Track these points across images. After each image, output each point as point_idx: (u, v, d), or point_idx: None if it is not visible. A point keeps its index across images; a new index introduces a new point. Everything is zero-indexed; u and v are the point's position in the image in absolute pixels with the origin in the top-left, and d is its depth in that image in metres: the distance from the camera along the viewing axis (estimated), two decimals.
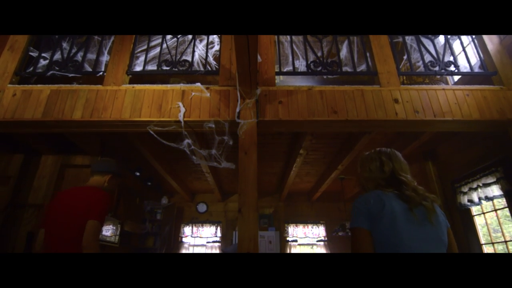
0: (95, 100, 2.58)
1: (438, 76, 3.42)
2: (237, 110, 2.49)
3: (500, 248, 3.28)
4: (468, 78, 3.21)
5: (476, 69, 2.90)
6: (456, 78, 3.67)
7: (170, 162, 4.87)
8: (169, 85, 2.65)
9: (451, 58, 2.85)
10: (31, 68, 2.83)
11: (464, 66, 2.89)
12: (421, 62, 2.83)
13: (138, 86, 2.65)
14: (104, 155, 4.06)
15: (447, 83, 3.77)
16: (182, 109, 2.51)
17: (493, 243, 3.32)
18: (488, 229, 3.40)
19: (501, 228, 3.24)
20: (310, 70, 2.79)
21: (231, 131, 2.54)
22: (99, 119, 2.52)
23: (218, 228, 6.61)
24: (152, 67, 2.87)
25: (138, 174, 4.96)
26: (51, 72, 2.76)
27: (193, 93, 2.60)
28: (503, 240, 3.21)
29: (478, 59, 2.92)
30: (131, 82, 2.77)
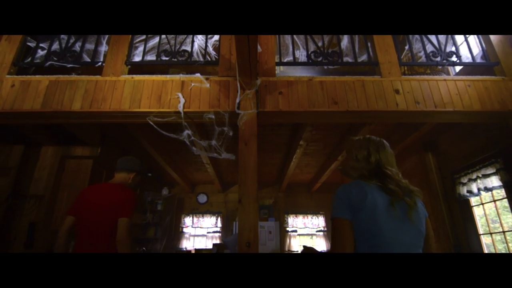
0: (94, 90, 2.57)
1: (440, 67, 3.39)
2: (237, 100, 2.48)
3: (498, 239, 3.31)
4: (470, 68, 3.19)
5: (478, 60, 2.88)
6: (458, 68, 3.64)
7: (170, 153, 4.88)
8: (168, 76, 2.63)
9: (453, 49, 2.82)
10: (29, 59, 2.80)
11: (466, 56, 2.86)
12: (422, 52, 2.80)
13: (137, 77, 2.63)
14: (104, 146, 4.06)
15: (448, 73, 3.74)
16: (182, 100, 2.50)
17: (491, 233, 3.35)
18: (486, 219, 3.43)
19: (499, 218, 3.26)
20: (310, 61, 2.76)
21: (231, 122, 2.53)
22: (98, 110, 2.51)
23: (219, 218, 6.66)
24: (151, 57, 2.85)
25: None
26: (49, 62, 2.73)
27: (192, 84, 2.58)
28: (501, 230, 3.24)
29: (480, 49, 2.89)
30: (130, 72, 2.75)
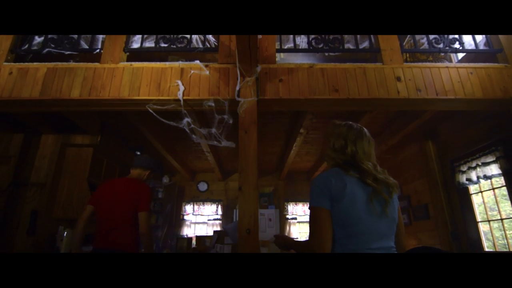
0: (92, 78, 2.54)
1: (442, 54, 3.35)
2: (237, 88, 2.46)
3: (495, 226, 3.34)
4: (473, 55, 3.15)
5: (481, 47, 2.84)
6: (461, 55, 3.60)
7: (171, 142, 4.88)
8: (167, 63, 2.61)
9: (456, 35, 2.78)
10: (26, 46, 2.77)
11: (469, 43, 2.82)
12: (425, 38, 2.76)
13: (136, 64, 2.60)
14: (104, 134, 4.06)
15: (451, 61, 3.70)
16: (181, 88, 2.48)
17: (489, 221, 3.38)
18: (485, 207, 3.45)
19: (497, 206, 3.28)
20: (311, 47, 2.73)
21: (231, 110, 2.51)
22: (97, 97, 2.49)
23: (219, 206, 6.72)
24: (149, 44, 2.80)
25: (138, 153, 4.98)
26: (46, 49, 2.70)
27: (192, 71, 2.56)
28: (499, 218, 3.26)
29: (484, 36, 2.85)
30: (129, 59, 2.72)
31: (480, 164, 3.31)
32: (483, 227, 3.46)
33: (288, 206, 6.80)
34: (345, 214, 1.18)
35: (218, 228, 6.50)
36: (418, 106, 2.71)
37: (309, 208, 1.25)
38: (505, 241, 3.21)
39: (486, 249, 3.37)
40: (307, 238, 1.24)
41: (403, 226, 1.36)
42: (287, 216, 6.70)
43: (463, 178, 3.57)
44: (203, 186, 6.85)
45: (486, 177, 3.22)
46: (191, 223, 6.70)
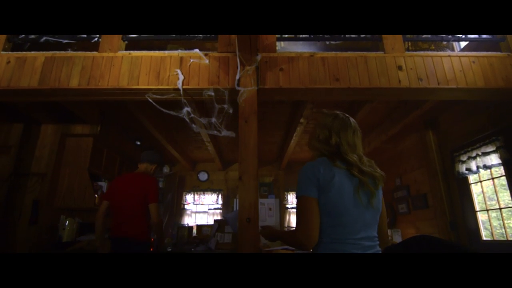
0: (91, 67, 2.52)
1: (445, 42, 3.31)
2: (237, 77, 2.44)
3: (493, 215, 3.36)
4: (475, 44, 3.11)
5: (484, 35, 2.80)
6: (463, 44, 3.56)
7: (171, 131, 4.87)
8: (166, 52, 2.58)
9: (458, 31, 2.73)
10: (24, 34, 2.73)
11: None
12: None
13: (134, 53, 2.57)
14: (104, 124, 4.05)
15: (453, 49, 3.66)
16: (181, 77, 2.46)
17: (487, 210, 3.41)
18: (484, 197, 3.47)
19: (496, 196, 3.30)
20: (312, 35, 2.69)
21: (231, 99, 2.50)
22: (96, 87, 2.47)
23: (219, 196, 6.76)
24: None
25: (138, 143, 4.98)
26: (44, 38, 2.66)
27: (191, 60, 2.53)
28: (497, 207, 3.28)
29: None
30: (127, 48, 2.69)
31: (480, 154, 3.31)
32: (481, 217, 3.49)
33: (288, 195, 6.85)
34: (332, 204, 1.18)
35: (219, 217, 6.55)
36: (419, 96, 2.69)
37: (296, 198, 1.25)
38: (503, 230, 3.24)
39: (484, 238, 3.41)
40: (294, 228, 1.24)
41: (385, 215, 1.37)
42: (287, 206, 6.76)
43: (462, 168, 3.58)
44: (203, 176, 6.88)
45: (485, 167, 3.23)
46: (192, 212, 6.76)
